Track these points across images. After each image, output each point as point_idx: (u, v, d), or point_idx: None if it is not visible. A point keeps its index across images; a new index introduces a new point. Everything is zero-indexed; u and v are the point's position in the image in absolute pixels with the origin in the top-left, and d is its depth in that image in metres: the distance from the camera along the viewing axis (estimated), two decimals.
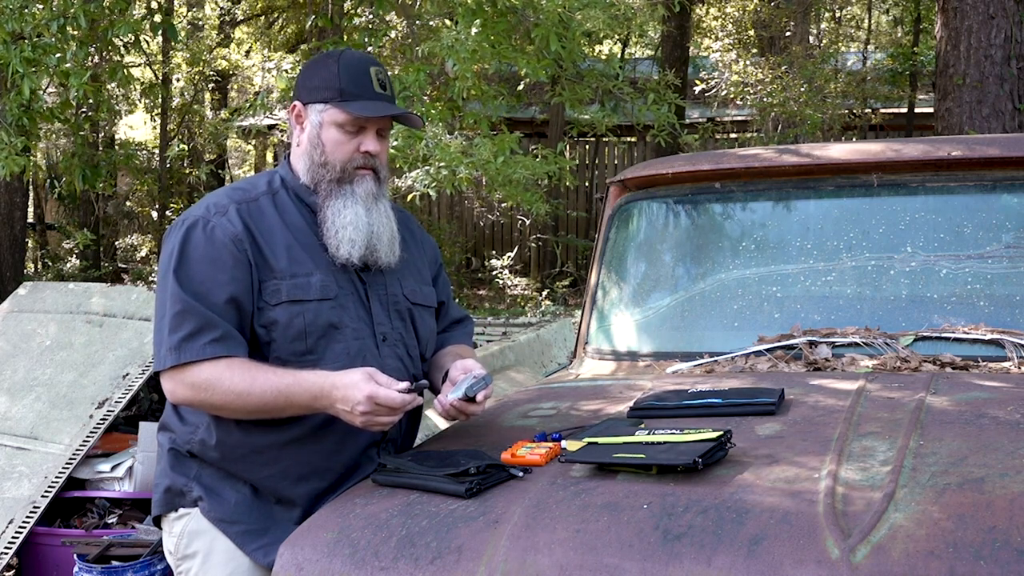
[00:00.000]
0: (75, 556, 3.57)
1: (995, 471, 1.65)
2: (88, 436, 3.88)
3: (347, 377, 1.95)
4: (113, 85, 7.96)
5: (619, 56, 12.98)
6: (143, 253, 12.99)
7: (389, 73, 2.26)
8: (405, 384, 1.97)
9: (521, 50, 6.29)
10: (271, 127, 12.50)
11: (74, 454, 3.83)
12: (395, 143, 6.02)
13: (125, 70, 6.51)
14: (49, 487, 3.75)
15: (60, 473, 3.79)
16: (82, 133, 8.50)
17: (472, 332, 2.54)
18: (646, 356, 2.83)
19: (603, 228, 3.13)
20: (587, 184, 13.99)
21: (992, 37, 7.47)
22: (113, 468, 3.92)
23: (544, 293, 11.67)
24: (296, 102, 2.21)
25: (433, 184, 6.11)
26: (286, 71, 9.02)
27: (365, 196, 2.16)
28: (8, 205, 9.35)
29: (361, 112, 2.12)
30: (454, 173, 5.98)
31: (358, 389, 1.92)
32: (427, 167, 6.11)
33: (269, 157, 15.16)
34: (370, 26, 8.08)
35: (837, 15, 13.84)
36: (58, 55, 5.70)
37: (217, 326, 2.01)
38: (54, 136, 11.25)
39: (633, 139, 13.68)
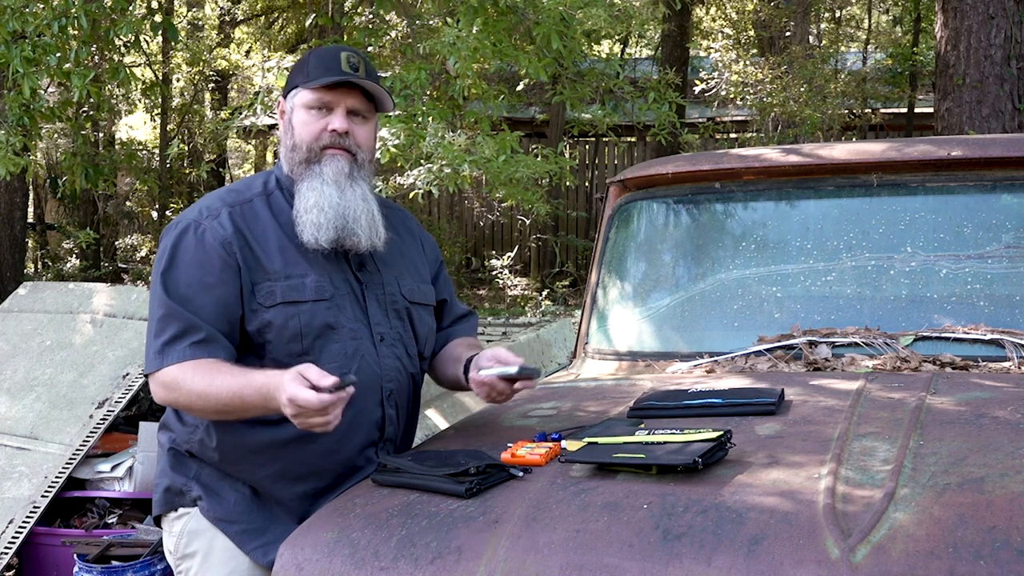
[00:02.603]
0: (75, 556, 3.57)
1: (995, 471, 1.65)
2: (88, 436, 3.88)
3: (279, 378, 1.87)
4: (114, 85, 7.96)
5: (619, 56, 12.98)
6: (143, 253, 12.99)
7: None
8: (333, 380, 1.84)
9: (521, 49, 6.29)
10: (271, 127, 12.51)
11: (74, 454, 3.83)
12: (396, 141, 6.02)
13: (127, 70, 6.51)
14: (49, 487, 3.75)
15: (60, 473, 3.79)
16: (83, 132, 8.50)
17: (477, 326, 2.54)
18: (646, 356, 2.83)
19: (603, 228, 3.13)
20: (587, 184, 13.98)
21: (992, 37, 7.47)
22: (113, 468, 3.92)
23: (544, 293, 11.67)
24: (280, 99, 2.25)
25: (435, 182, 6.10)
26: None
27: (335, 175, 2.11)
28: (8, 205, 9.35)
29: (320, 82, 2.11)
30: (456, 172, 5.97)
31: (281, 391, 1.85)
32: (429, 165, 6.10)
33: (269, 157, 15.16)
34: (370, 26, 8.08)
35: (837, 15, 13.84)
36: (58, 55, 5.70)
37: (200, 329, 2.01)
38: (55, 136, 11.25)
39: (633, 139, 13.68)
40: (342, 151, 2.14)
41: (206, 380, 1.97)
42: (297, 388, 1.81)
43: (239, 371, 1.98)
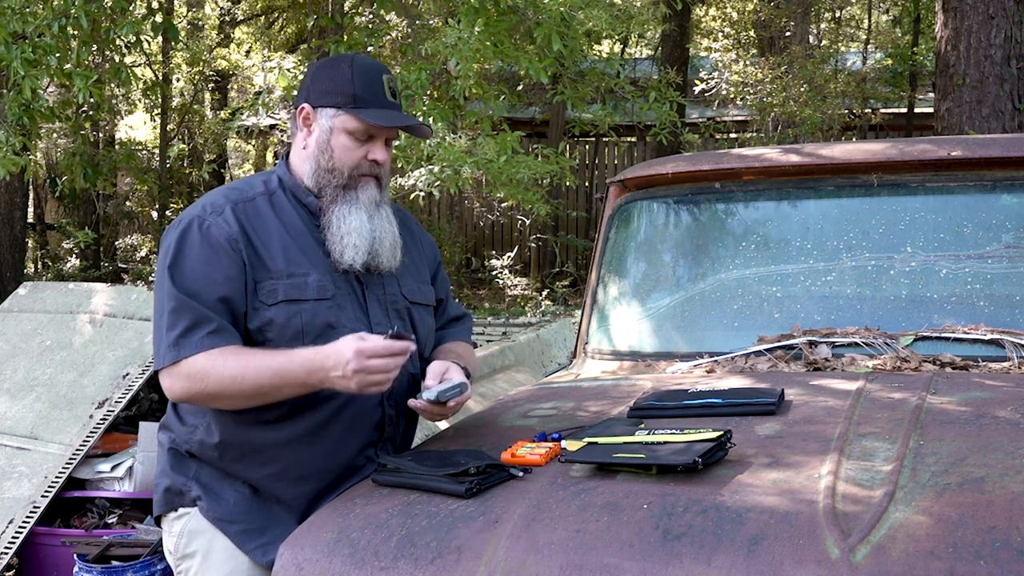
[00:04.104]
0: (75, 556, 3.57)
1: (995, 471, 1.65)
2: (88, 436, 3.88)
3: (335, 343, 1.96)
4: (114, 85, 7.97)
5: (619, 55, 12.98)
6: (143, 253, 12.99)
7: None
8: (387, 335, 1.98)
9: (522, 49, 6.29)
10: (271, 127, 12.51)
11: (74, 454, 3.83)
12: (397, 143, 6.02)
13: (128, 70, 6.50)
14: (49, 487, 3.75)
15: (60, 473, 3.79)
16: (83, 132, 8.50)
17: (471, 329, 2.54)
18: (646, 356, 2.83)
19: (603, 228, 3.13)
20: (587, 184, 13.99)
21: (992, 37, 7.47)
22: (113, 468, 3.92)
23: (544, 293, 11.67)
24: (305, 104, 2.18)
25: (436, 183, 6.10)
26: (287, 69, 9.02)
27: (368, 203, 2.16)
28: (8, 205, 9.35)
29: (376, 121, 2.13)
30: (457, 172, 5.97)
31: (346, 347, 1.93)
32: (431, 166, 6.09)
33: (269, 157, 15.17)
34: (370, 26, 8.09)
35: (837, 15, 13.84)
36: (58, 55, 5.70)
37: (212, 320, 2.01)
38: (54, 136, 11.25)
39: (633, 139, 13.69)
40: (372, 177, 2.19)
41: (239, 363, 1.98)
42: (359, 341, 1.93)
43: (272, 352, 2.01)
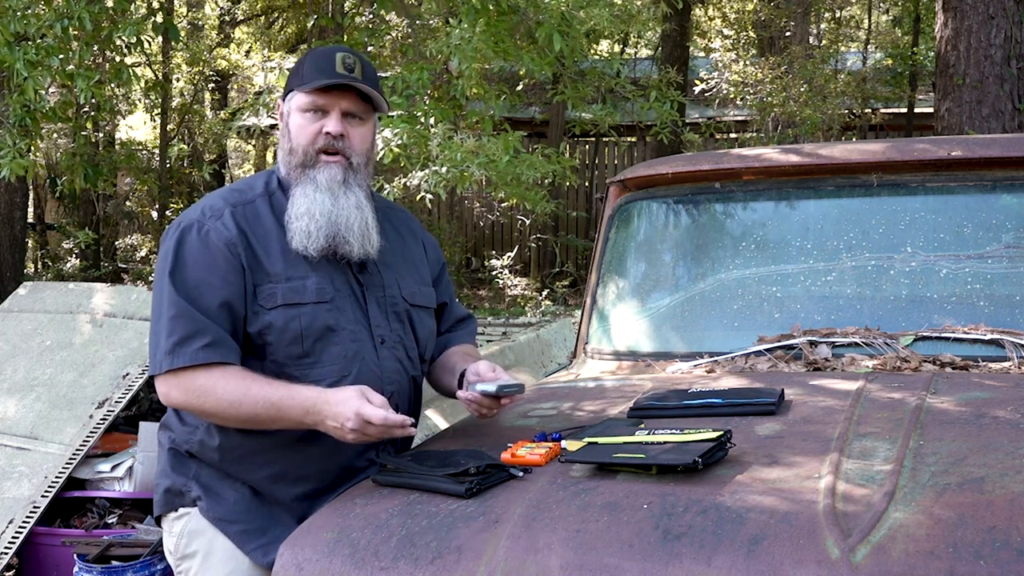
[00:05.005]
0: (75, 556, 3.57)
1: (995, 471, 1.65)
2: (88, 436, 3.88)
3: (339, 394, 1.95)
4: (114, 85, 7.97)
5: (619, 55, 12.98)
6: (143, 253, 12.99)
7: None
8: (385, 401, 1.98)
9: (523, 49, 6.29)
10: (271, 127, 12.51)
11: (74, 454, 3.83)
12: (399, 141, 6.01)
13: (130, 71, 6.51)
14: (49, 487, 3.75)
15: (60, 473, 3.79)
16: (84, 133, 8.50)
17: (475, 331, 2.53)
18: (646, 356, 2.83)
19: (603, 228, 3.13)
20: (587, 184, 13.98)
21: (992, 37, 7.47)
22: (113, 468, 3.92)
23: (544, 293, 11.67)
24: (280, 101, 2.24)
25: (441, 183, 6.08)
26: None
27: (329, 183, 2.11)
28: (8, 205, 9.35)
29: (314, 85, 2.10)
30: (462, 174, 5.96)
31: (348, 406, 1.91)
32: (435, 167, 6.08)
33: (269, 157, 15.16)
34: (370, 26, 8.09)
35: (837, 15, 13.84)
36: (60, 56, 5.71)
37: (209, 331, 2.01)
38: (55, 136, 11.25)
39: (633, 139, 13.68)
40: (337, 157, 2.14)
41: (240, 389, 1.98)
42: (363, 404, 1.91)
43: (275, 382, 2.00)
